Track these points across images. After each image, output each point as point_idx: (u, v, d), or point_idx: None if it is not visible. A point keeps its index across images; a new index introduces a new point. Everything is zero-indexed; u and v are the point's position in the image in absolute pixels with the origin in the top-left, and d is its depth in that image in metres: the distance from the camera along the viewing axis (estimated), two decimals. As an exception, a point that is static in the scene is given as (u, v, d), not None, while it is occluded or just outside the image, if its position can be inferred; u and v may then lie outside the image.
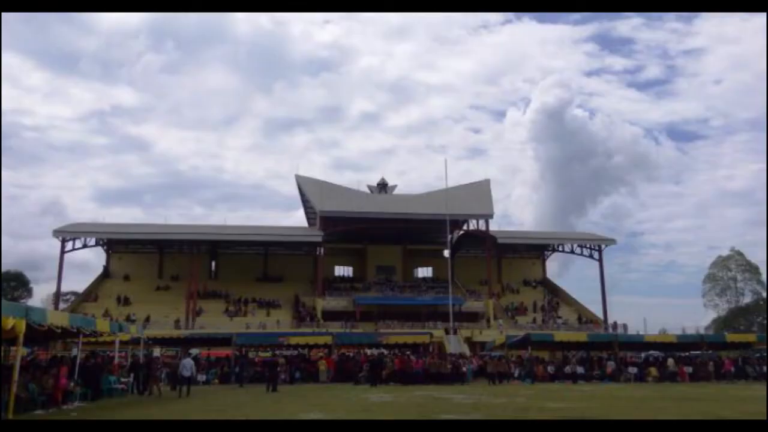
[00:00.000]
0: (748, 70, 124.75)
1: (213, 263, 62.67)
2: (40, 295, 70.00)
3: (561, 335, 37.23)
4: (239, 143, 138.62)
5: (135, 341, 24.77)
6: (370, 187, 62.50)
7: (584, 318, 56.07)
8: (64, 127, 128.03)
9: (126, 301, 52.54)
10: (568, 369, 30.96)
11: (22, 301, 57.66)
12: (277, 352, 34.72)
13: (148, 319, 46.46)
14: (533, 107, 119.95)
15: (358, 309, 52.68)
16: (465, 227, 59.82)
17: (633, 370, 30.76)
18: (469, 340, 47.53)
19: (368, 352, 34.92)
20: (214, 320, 48.75)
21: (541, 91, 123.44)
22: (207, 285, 56.85)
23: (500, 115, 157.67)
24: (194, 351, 34.17)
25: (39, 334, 16.57)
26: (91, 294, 55.40)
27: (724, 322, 65.78)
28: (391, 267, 63.29)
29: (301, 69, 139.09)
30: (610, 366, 31.12)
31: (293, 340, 35.19)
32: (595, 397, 19.47)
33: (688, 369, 30.93)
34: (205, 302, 53.19)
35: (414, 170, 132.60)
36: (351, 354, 34.94)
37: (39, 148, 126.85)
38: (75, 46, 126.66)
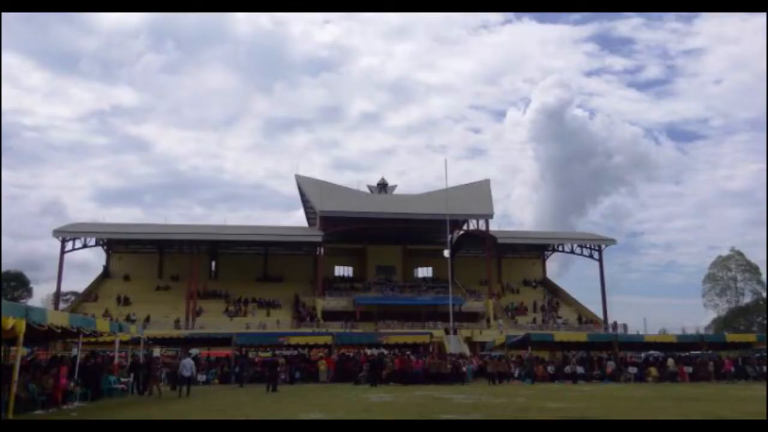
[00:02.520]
0: (748, 70, 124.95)
1: (213, 263, 62.69)
2: (40, 295, 70.15)
3: (561, 335, 37.23)
4: (239, 143, 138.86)
5: (135, 341, 24.78)
6: (370, 187, 62.51)
7: (584, 318, 56.06)
8: (64, 127, 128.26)
9: (126, 301, 52.55)
10: (568, 369, 30.95)
11: (22, 301, 57.65)
12: (277, 352, 34.71)
13: (148, 319, 46.46)
14: (533, 107, 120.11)
15: (358, 309, 52.68)
16: (465, 227, 59.82)
17: (633, 370, 30.74)
18: (469, 340, 47.52)
19: (368, 352, 34.90)
20: (214, 320, 48.75)
21: (541, 91, 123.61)
22: (207, 285, 56.85)
23: (500, 115, 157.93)
24: (194, 351, 34.16)
25: (39, 334, 16.57)
26: (91, 294, 55.41)
27: (724, 322, 65.76)
28: (391, 267, 63.29)
29: (301, 69, 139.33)
30: (610, 366, 31.11)
31: (293, 340, 35.19)
32: (595, 397, 19.46)
33: (688, 369, 30.92)
34: (205, 302, 53.20)
35: (414, 170, 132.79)
36: (351, 354, 34.93)
37: (39, 148, 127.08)
38: (75, 46, 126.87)
